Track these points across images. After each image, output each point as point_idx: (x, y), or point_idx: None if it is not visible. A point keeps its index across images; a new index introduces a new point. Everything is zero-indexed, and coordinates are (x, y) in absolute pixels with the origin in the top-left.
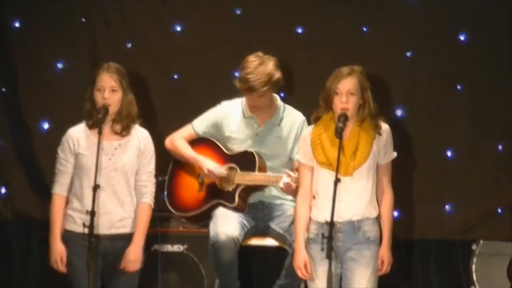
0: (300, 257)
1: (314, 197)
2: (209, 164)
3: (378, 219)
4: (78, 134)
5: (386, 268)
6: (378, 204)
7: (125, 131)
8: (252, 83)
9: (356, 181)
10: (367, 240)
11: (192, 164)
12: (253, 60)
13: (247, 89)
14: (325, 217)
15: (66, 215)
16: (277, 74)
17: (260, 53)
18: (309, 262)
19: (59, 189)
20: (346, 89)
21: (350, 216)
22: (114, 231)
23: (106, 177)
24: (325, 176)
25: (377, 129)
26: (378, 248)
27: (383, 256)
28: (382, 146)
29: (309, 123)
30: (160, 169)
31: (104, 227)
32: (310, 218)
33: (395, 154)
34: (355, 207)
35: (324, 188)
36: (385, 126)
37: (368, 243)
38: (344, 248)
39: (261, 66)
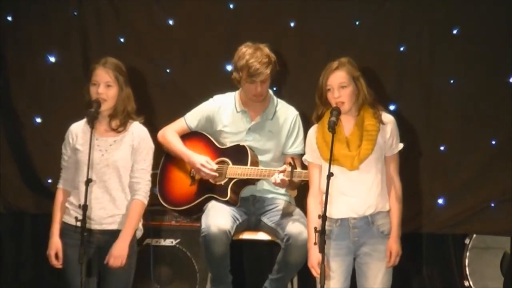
0: (313, 256)
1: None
2: (201, 159)
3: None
4: (77, 130)
5: (394, 260)
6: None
7: (121, 127)
8: (256, 66)
9: (364, 174)
10: (381, 234)
11: (182, 159)
12: (247, 49)
13: (251, 76)
14: (338, 213)
15: (66, 208)
16: (273, 55)
17: (249, 43)
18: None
19: (61, 184)
20: (337, 83)
21: (363, 210)
22: (105, 226)
23: (99, 173)
24: (334, 172)
25: (378, 119)
26: None
27: (391, 247)
28: (387, 137)
29: (304, 118)
30: (152, 163)
31: (96, 222)
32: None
33: (401, 145)
34: (367, 200)
35: (334, 183)
36: (389, 117)
37: (382, 238)
38: (358, 243)
39: (258, 50)
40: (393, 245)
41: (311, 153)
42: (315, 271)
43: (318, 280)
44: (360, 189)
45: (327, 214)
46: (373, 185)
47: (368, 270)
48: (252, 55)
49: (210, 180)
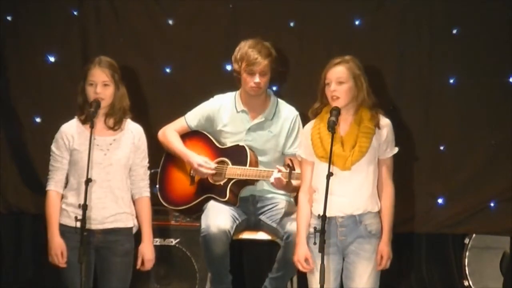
0: (301, 251)
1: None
2: (199, 159)
3: (379, 213)
4: (71, 130)
5: (385, 263)
6: (379, 198)
7: (117, 125)
8: (255, 55)
9: (355, 175)
10: (369, 233)
11: (182, 159)
12: (248, 41)
13: (250, 64)
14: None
15: (61, 209)
16: (274, 51)
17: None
18: (310, 256)
19: (55, 186)
20: (335, 78)
21: (351, 210)
22: (108, 225)
23: (102, 173)
24: (325, 170)
25: (375, 122)
26: (379, 242)
27: (382, 250)
28: (382, 141)
29: (304, 117)
30: (152, 162)
31: (98, 222)
32: (311, 213)
33: (396, 149)
34: (356, 201)
35: (324, 182)
36: (385, 121)
37: (369, 237)
38: (346, 243)
39: (258, 43)
40: (384, 248)
41: (305, 149)
42: (301, 266)
43: (309, 278)
44: (349, 189)
45: (316, 213)
46: (363, 187)
47: (354, 269)
48: (251, 46)
49: (209, 179)
